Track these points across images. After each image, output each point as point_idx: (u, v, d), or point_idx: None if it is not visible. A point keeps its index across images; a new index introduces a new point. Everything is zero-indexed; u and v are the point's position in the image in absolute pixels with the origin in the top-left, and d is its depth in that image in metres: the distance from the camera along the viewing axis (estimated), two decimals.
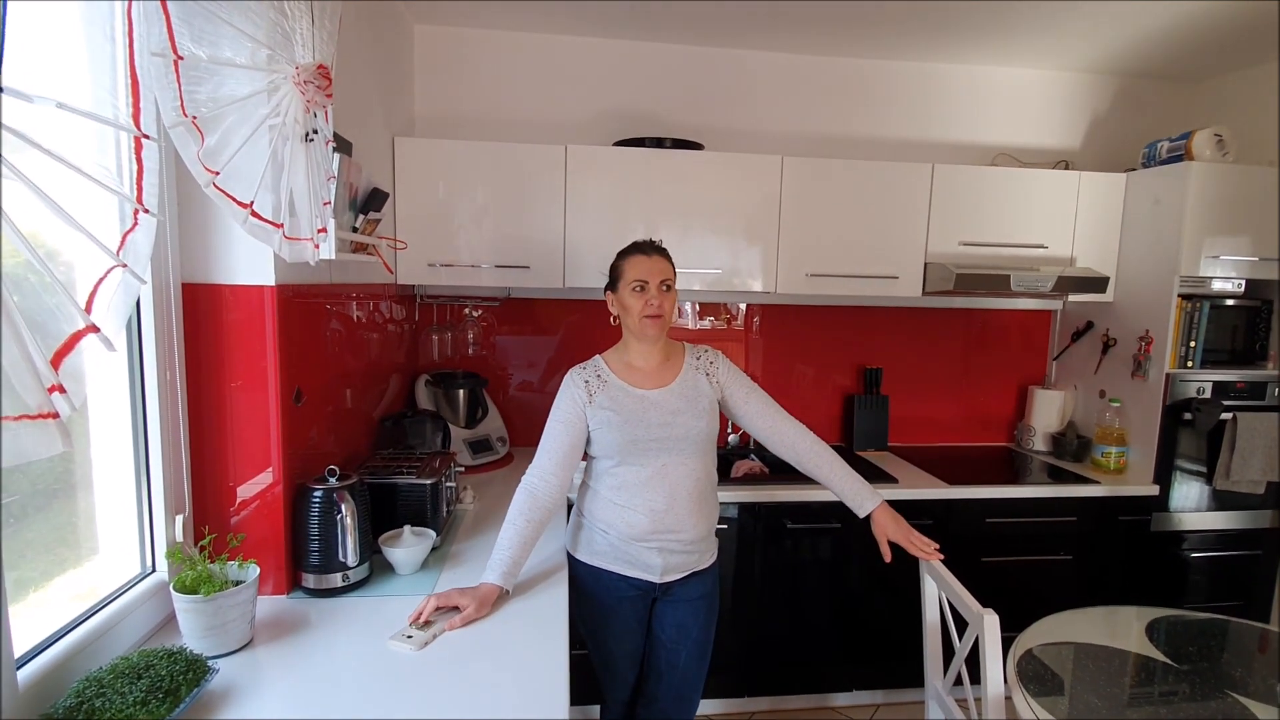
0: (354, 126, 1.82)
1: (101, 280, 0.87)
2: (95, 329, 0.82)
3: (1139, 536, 2.47)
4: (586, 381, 1.61)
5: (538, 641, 1.29)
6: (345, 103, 1.73)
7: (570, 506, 1.78)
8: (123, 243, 0.90)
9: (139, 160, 0.92)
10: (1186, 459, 2.47)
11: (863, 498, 1.64)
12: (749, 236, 2.43)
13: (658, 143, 2.42)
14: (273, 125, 1.16)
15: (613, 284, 1.64)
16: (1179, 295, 2.39)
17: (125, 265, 0.88)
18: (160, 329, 1.28)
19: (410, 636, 1.27)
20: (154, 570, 1.34)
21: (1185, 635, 1.69)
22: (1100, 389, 2.70)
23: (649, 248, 1.62)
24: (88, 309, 0.84)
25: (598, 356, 1.68)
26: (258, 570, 1.28)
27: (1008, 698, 1.42)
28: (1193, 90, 2.91)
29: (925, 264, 2.51)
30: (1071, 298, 2.72)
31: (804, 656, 2.42)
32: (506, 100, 2.60)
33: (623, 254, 1.64)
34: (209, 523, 1.37)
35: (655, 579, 1.61)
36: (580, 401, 1.59)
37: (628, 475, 1.58)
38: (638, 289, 1.57)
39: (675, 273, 1.64)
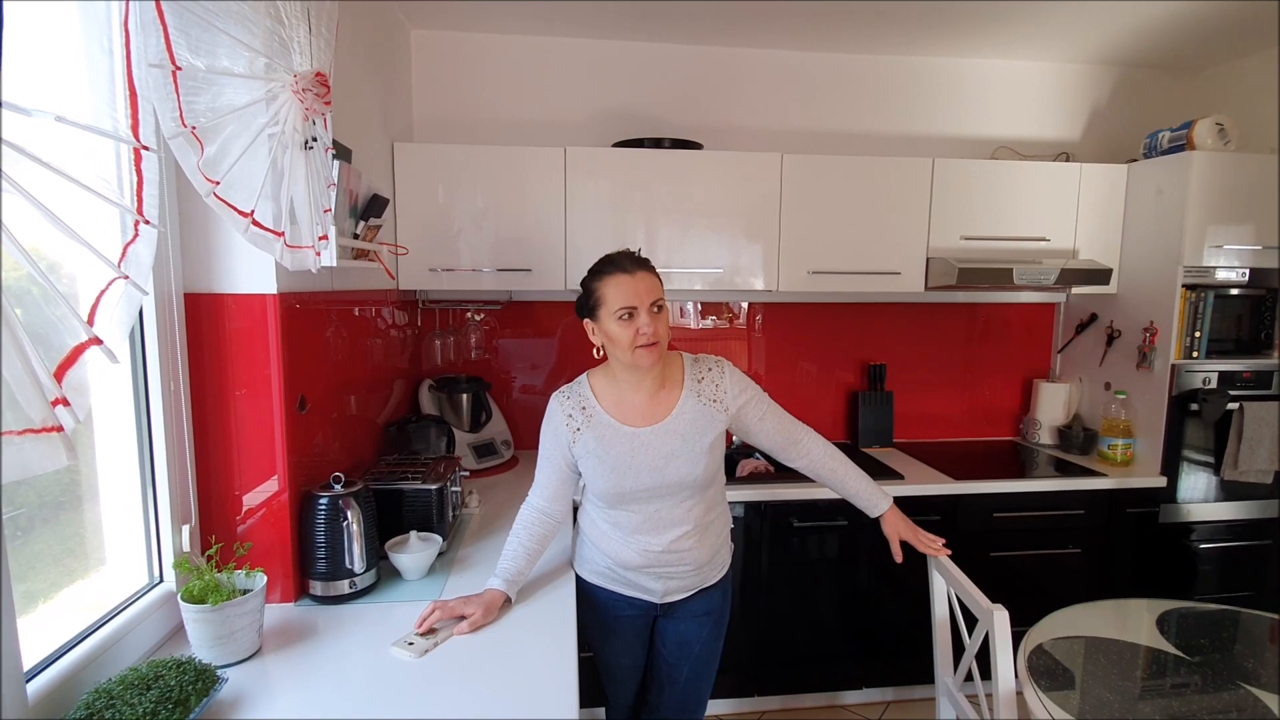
0: (353, 133, 1.83)
1: (103, 292, 0.87)
2: (98, 341, 0.82)
3: (1147, 529, 2.46)
4: (570, 416, 1.45)
5: (545, 644, 1.29)
6: (344, 109, 1.73)
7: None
8: (124, 254, 0.90)
9: (139, 172, 0.92)
10: (1193, 450, 2.45)
11: (875, 499, 1.63)
12: (750, 235, 2.42)
13: (656, 143, 2.42)
14: (272, 134, 1.16)
15: (589, 311, 1.40)
16: (1183, 285, 2.38)
17: (127, 277, 0.88)
18: (163, 339, 1.28)
19: (412, 644, 1.26)
20: (161, 581, 1.34)
21: (1196, 627, 1.68)
22: (1105, 381, 2.69)
23: (629, 263, 1.37)
24: (90, 321, 0.84)
25: (584, 378, 1.50)
26: (265, 579, 1.28)
27: (1019, 693, 1.41)
28: (1193, 80, 2.89)
29: (927, 259, 2.50)
30: (1075, 290, 2.71)
31: (813, 655, 2.41)
32: (504, 103, 2.60)
33: (597, 273, 1.39)
34: (215, 532, 1.38)
35: (656, 600, 1.57)
36: (564, 440, 1.46)
37: (619, 517, 1.50)
38: (625, 317, 1.34)
39: (662, 285, 1.42)
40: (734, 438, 2.73)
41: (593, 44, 2.61)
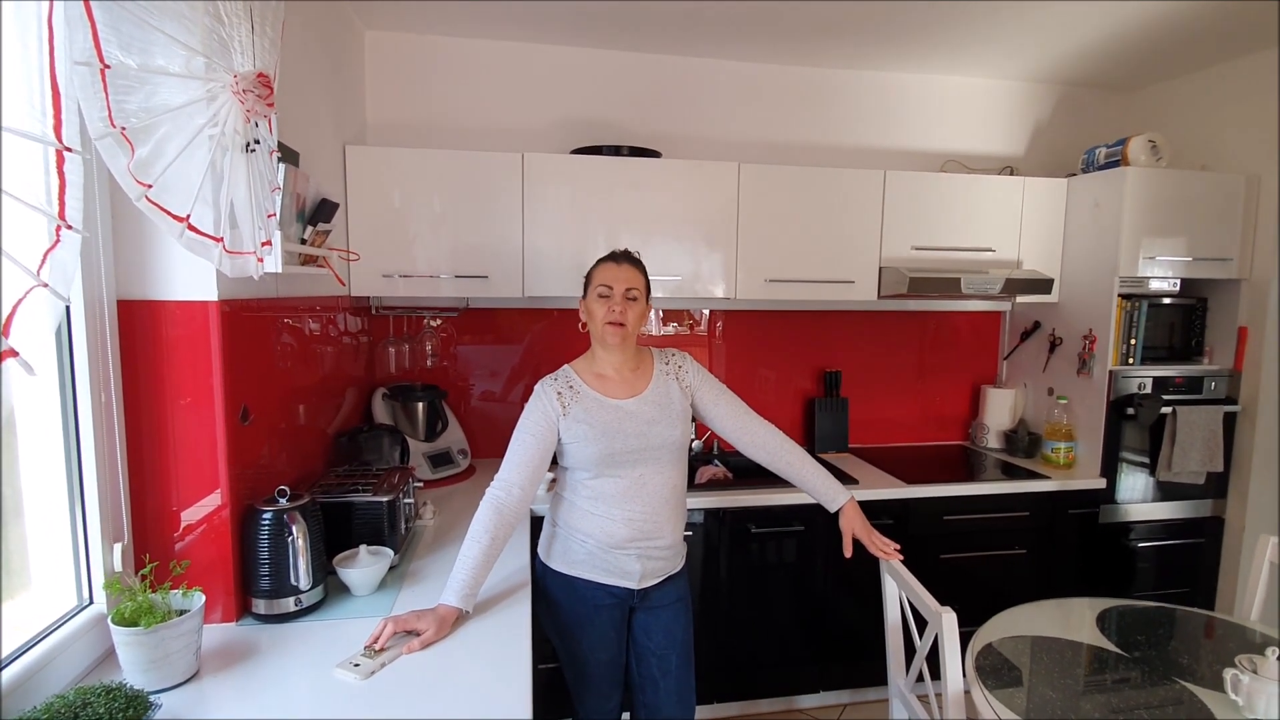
0: (301, 136, 1.78)
1: (20, 301, 0.82)
2: (14, 353, 0.78)
3: (1088, 528, 2.55)
4: (559, 393, 1.58)
5: (498, 659, 1.27)
6: (292, 112, 1.68)
7: (533, 517, 1.75)
8: (43, 261, 0.85)
9: (61, 174, 0.88)
10: (1130, 452, 2.56)
11: (834, 493, 1.69)
12: (709, 243, 2.44)
13: (615, 150, 2.42)
14: (211, 135, 1.12)
15: (584, 290, 1.64)
16: (1119, 295, 2.48)
17: (46, 285, 0.84)
18: (93, 349, 1.22)
19: (357, 665, 1.22)
20: (91, 602, 1.27)
21: (1134, 625, 1.75)
22: (1048, 387, 2.78)
23: (620, 256, 1.62)
24: (5, 332, 0.80)
25: (567, 366, 1.65)
26: (203, 598, 1.22)
27: (967, 692, 1.44)
28: (1128, 99, 3.03)
29: (880, 268, 2.56)
30: (1019, 299, 2.80)
31: (771, 660, 2.43)
32: (461, 108, 2.57)
33: (595, 263, 1.64)
34: (150, 550, 1.32)
35: (634, 585, 1.60)
36: (553, 414, 1.56)
37: (604, 487, 1.57)
38: (602, 294, 1.57)
39: (648, 285, 1.63)
40: (692, 444, 2.75)
41: (551, 50, 2.60)
